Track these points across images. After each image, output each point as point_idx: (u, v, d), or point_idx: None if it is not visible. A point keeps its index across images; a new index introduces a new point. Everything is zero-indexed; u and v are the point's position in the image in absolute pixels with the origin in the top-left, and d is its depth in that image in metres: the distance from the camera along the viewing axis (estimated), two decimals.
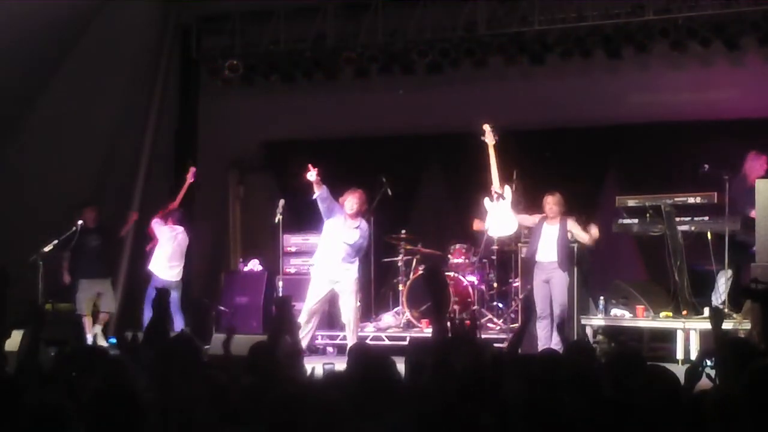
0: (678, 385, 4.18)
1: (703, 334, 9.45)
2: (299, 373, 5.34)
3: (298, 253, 11.78)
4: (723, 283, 9.75)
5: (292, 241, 11.77)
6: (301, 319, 9.59)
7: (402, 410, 4.00)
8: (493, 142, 10.42)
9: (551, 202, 9.95)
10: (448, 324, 5.23)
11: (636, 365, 4.84)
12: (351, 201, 9.99)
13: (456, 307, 11.03)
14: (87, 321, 11.28)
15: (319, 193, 9.72)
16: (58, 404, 3.82)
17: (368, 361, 4.80)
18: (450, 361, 4.56)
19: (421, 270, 11.52)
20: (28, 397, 4.10)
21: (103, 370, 5.02)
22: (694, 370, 4.84)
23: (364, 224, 10.15)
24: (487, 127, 10.39)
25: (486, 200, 10.60)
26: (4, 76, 10.73)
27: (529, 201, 11.02)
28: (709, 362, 4.89)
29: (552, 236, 9.87)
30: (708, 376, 4.87)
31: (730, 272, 9.71)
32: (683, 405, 3.96)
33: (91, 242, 11.39)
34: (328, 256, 9.98)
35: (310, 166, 9.61)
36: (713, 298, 9.84)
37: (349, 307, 9.93)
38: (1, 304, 5.49)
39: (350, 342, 9.69)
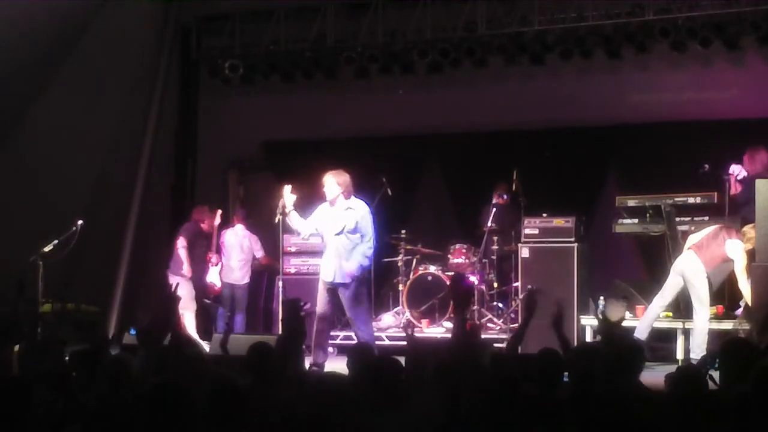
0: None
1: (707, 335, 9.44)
2: (298, 372, 5.35)
3: (298, 253, 11.75)
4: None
5: (292, 241, 11.74)
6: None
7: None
8: None
9: None
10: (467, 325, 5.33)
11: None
12: (328, 185, 9.00)
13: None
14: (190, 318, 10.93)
15: (306, 235, 9.10)
16: (63, 404, 3.84)
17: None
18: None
19: (421, 270, 11.56)
20: (35, 397, 4.12)
21: (104, 370, 5.04)
22: (698, 371, 4.85)
23: (356, 202, 9.07)
24: None
25: None
26: (4, 76, 10.73)
27: (529, 201, 11.05)
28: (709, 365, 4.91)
29: None
30: (711, 377, 4.89)
31: None
32: (688, 405, 3.97)
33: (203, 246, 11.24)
34: (324, 257, 9.16)
35: (286, 189, 9.07)
36: None
37: (349, 313, 9.04)
38: (14, 311, 5.54)
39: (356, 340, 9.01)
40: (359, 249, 9.02)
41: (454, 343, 5.02)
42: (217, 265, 11.36)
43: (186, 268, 10.88)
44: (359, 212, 9.02)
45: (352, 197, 9.10)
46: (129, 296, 12.35)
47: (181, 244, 10.96)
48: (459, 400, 4.17)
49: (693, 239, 9.50)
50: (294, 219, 9.14)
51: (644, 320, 9.46)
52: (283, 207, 9.11)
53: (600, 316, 6.42)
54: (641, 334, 9.26)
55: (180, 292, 10.66)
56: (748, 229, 9.36)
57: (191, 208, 12.23)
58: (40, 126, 11.58)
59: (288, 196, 9.13)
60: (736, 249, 9.21)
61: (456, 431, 4.07)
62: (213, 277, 11.31)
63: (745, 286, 9.17)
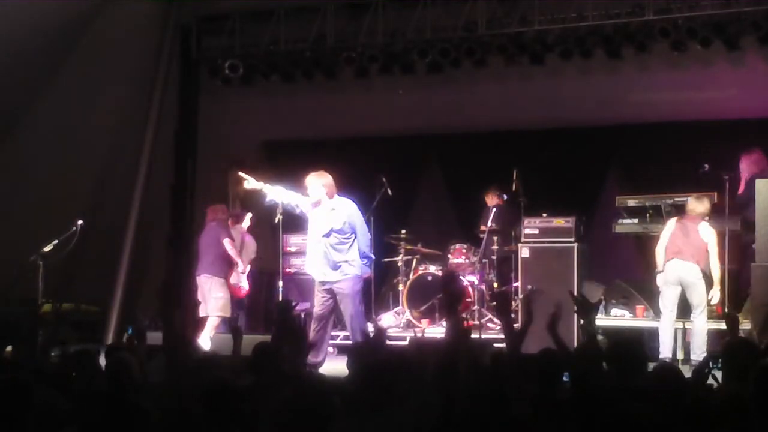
0: (685, 384, 4.21)
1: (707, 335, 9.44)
2: (298, 372, 5.36)
3: (298, 253, 11.75)
4: None
5: (292, 241, 11.76)
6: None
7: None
8: None
9: None
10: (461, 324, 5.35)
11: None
12: (311, 187, 8.96)
13: None
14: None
15: (269, 199, 9.05)
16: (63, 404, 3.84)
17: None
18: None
19: (421, 270, 11.55)
20: (35, 397, 4.12)
21: (104, 370, 5.04)
22: (700, 371, 4.85)
23: (340, 202, 8.98)
24: None
25: None
26: (4, 76, 10.73)
27: (529, 201, 11.05)
28: (712, 364, 4.91)
29: None
30: (713, 377, 4.89)
31: None
32: (691, 406, 3.97)
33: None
34: (312, 260, 9.07)
35: (240, 173, 9.06)
36: None
37: (347, 312, 8.94)
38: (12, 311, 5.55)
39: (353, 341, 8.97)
40: (356, 246, 8.98)
41: (450, 344, 5.02)
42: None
43: (241, 265, 10.88)
44: (345, 210, 8.98)
45: (336, 196, 9.05)
46: (129, 296, 12.33)
47: (229, 243, 10.93)
48: (455, 401, 4.17)
49: (663, 247, 9.52)
50: (274, 192, 9.21)
51: (664, 338, 9.44)
52: (260, 191, 9.18)
53: (578, 298, 6.44)
54: (667, 352, 9.29)
55: (216, 296, 10.79)
56: (692, 203, 9.48)
57: (191, 208, 12.21)
58: (40, 126, 11.57)
59: (248, 179, 9.21)
60: (707, 231, 9.40)
61: (453, 431, 4.07)
62: (239, 278, 11.25)
63: (716, 270, 9.28)
